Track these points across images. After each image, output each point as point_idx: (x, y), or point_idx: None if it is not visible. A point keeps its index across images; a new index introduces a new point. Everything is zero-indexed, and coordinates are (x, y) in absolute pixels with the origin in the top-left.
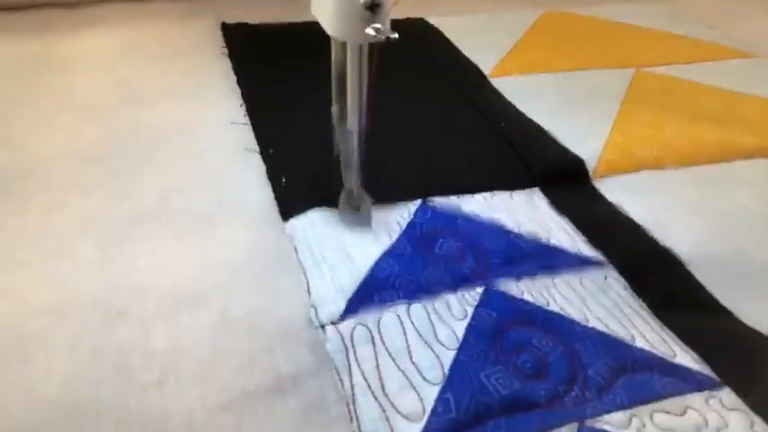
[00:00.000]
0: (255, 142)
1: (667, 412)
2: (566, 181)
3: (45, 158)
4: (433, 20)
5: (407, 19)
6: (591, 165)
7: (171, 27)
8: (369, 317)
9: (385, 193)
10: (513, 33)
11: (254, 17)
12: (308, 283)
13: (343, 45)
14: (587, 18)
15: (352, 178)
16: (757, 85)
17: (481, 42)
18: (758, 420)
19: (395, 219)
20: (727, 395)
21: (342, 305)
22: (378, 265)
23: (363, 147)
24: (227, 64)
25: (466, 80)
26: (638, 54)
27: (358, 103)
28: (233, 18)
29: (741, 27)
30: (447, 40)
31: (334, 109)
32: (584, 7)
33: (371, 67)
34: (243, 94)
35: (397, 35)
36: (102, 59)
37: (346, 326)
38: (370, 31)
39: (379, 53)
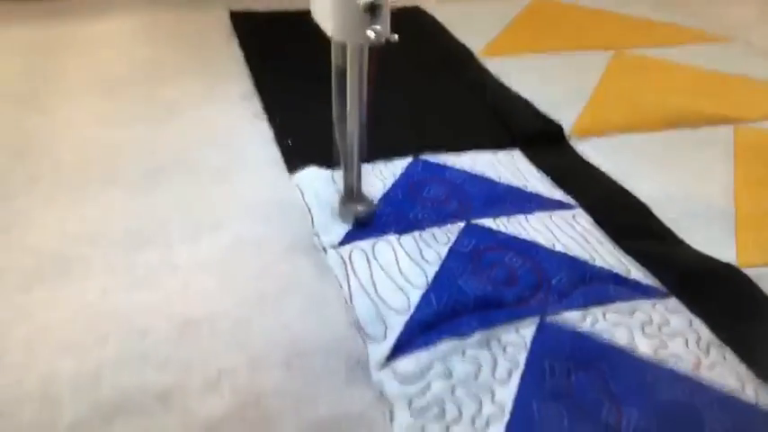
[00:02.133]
0: (263, 111)
1: (618, 312)
2: (544, 143)
3: (74, 124)
4: (428, 7)
5: (404, 7)
6: (567, 129)
7: (183, 13)
8: (364, 243)
9: (381, 151)
10: (503, 19)
11: (259, 4)
12: (312, 217)
13: (343, 46)
14: (574, 6)
15: (352, 177)
16: (730, 65)
17: (472, 27)
18: (697, 320)
19: (389, 171)
20: (672, 303)
21: (341, 233)
22: None
23: (364, 145)
24: (236, 46)
25: (456, 59)
26: (620, 38)
27: (358, 102)
28: (240, 6)
29: (721, 14)
30: (440, 25)
31: (335, 109)
32: None
33: (370, 67)
34: (251, 71)
35: (396, 36)
36: (121, 42)
37: (345, 249)
38: (369, 32)
39: (376, 54)
